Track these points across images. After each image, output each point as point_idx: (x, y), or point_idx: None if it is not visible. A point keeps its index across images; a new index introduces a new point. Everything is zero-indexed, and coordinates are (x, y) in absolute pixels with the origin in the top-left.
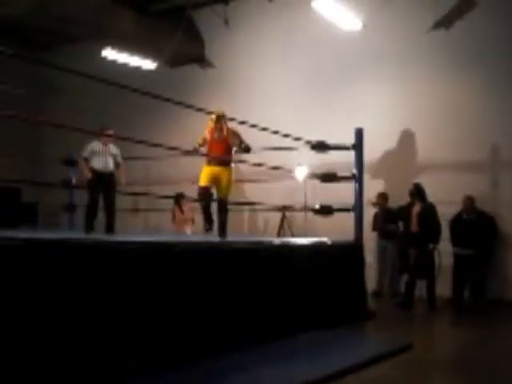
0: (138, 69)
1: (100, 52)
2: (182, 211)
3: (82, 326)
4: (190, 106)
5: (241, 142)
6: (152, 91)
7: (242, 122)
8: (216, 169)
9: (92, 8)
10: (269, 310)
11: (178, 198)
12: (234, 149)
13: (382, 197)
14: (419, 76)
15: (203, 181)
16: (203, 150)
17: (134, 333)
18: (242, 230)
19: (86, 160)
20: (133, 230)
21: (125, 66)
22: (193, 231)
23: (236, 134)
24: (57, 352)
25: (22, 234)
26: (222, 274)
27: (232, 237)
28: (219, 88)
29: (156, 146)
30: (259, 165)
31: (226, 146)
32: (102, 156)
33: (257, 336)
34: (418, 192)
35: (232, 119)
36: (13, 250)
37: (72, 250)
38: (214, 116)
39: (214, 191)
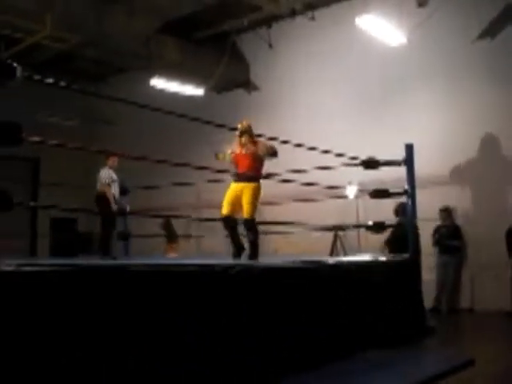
0: (186, 96)
1: (149, 81)
2: (171, 238)
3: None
4: (234, 129)
5: (267, 148)
6: (200, 117)
7: (285, 141)
8: (240, 185)
9: (139, 38)
10: (325, 329)
11: (166, 225)
12: (267, 157)
13: (445, 211)
14: (468, 87)
15: (224, 206)
16: (228, 160)
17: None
18: (293, 251)
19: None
20: (192, 255)
21: (173, 94)
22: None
23: (264, 145)
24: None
25: (91, 261)
26: (279, 295)
27: (282, 258)
28: (265, 111)
29: (204, 168)
30: (311, 184)
31: (253, 161)
32: (117, 183)
33: (313, 357)
34: None
35: (273, 139)
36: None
37: (145, 273)
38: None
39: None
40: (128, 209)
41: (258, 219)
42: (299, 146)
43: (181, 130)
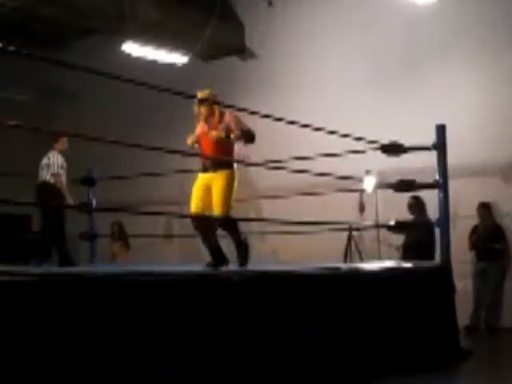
0: (166, 65)
1: (120, 47)
2: (123, 244)
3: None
4: (229, 106)
5: (239, 127)
6: (184, 91)
7: (292, 122)
8: (207, 176)
9: None
10: (338, 351)
11: (115, 230)
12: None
13: (485, 208)
14: None
15: (193, 203)
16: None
17: None
18: (297, 255)
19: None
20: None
21: (151, 62)
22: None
23: (236, 121)
24: None
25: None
26: (275, 312)
27: (283, 264)
28: (263, 83)
29: (183, 153)
30: (321, 174)
31: (219, 141)
32: (65, 170)
33: None
34: None
35: (243, 110)
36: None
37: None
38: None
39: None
40: (94, 204)
41: (254, 215)
42: (305, 126)
43: (160, 106)
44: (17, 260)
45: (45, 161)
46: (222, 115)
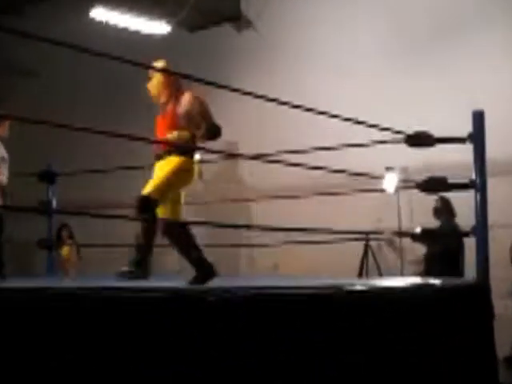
0: (144, 36)
1: (88, 13)
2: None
3: None
4: (223, 87)
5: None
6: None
7: (296, 106)
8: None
9: None
10: None
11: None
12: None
13: None
14: None
15: None
16: None
17: None
18: (302, 268)
19: None
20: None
21: (125, 32)
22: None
23: (203, 110)
24: None
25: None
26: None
27: (283, 279)
28: (261, 57)
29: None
30: (336, 171)
31: (173, 124)
32: (6, 164)
33: None
34: None
35: (272, 100)
36: None
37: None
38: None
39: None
40: (54, 204)
41: (249, 221)
42: (309, 110)
43: (136, 85)
44: None
45: None
46: (179, 94)
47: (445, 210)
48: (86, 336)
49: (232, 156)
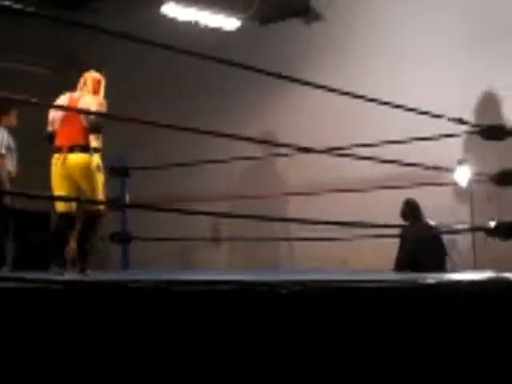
0: (214, 30)
1: (158, 8)
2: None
3: None
4: (296, 80)
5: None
6: (235, 59)
7: (372, 100)
8: None
9: None
10: None
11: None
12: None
13: None
14: None
15: None
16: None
17: None
18: (368, 263)
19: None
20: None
21: (195, 27)
22: None
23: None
24: None
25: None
26: (337, 334)
27: (348, 273)
28: (331, 50)
29: (235, 137)
30: (408, 165)
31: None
32: (15, 154)
33: None
34: None
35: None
36: None
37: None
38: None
39: None
40: (128, 199)
41: (315, 215)
42: (371, 101)
43: (205, 79)
44: (37, 264)
45: None
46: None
47: (410, 213)
48: (163, 330)
49: (305, 150)
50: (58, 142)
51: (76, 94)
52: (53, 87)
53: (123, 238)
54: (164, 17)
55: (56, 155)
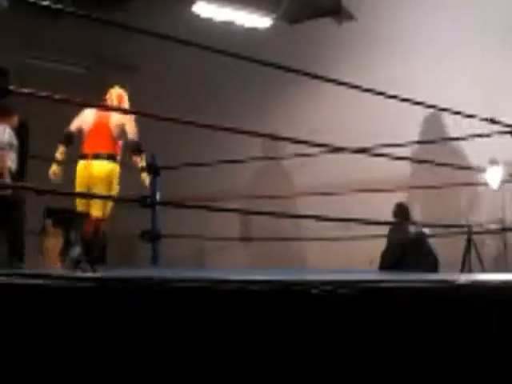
0: (244, 30)
1: (190, 8)
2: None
3: None
4: (332, 81)
5: None
6: (267, 59)
7: (405, 100)
8: None
9: None
10: None
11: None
12: None
13: None
14: None
15: None
16: None
17: None
18: None
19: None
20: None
21: (226, 26)
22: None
23: None
24: None
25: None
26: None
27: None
28: (362, 51)
29: (293, 141)
30: (445, 165)
31: None
32: (15, 152)
33: None
34: None
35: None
36: None
37: None
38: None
39: None
40: (158, 197)
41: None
42: (405, 100)
43: (236, 79)
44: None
45: None
46: None
47: (399, 215)
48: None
49: (340, 150)
50: (85, 149)
51: (104, 112)
52: (88, 87)
53: (153, 236)
54: (194, 16)
55: (81, 161)
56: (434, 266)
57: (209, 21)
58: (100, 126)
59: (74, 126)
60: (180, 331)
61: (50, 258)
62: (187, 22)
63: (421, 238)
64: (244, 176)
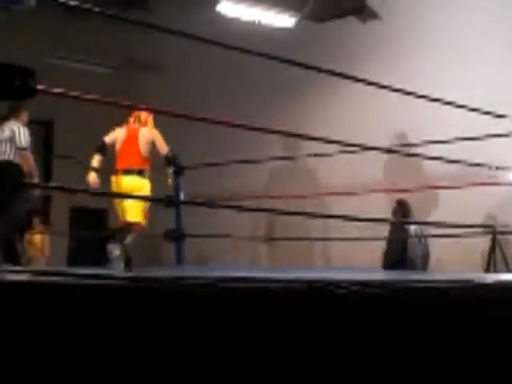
0: (269, 29)
1: (214, 7)
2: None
3: None
4: (361, 80)
5: None
6: (293, 58)
7: (435, 100)
8: None
9: None
10: None
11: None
12: None
13: None
14: None
15: None
16: None
17: None
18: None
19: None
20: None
21: (251, 26)
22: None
23: None
24: None
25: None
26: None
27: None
28: (386, 49)
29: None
30: (475, 165)
31: None
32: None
33: None
34: None
35: (397, 90)
36: None
37: None
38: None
39: None
40: (182, 196)
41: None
42: (435, 101)
43: (260, 78)
44: (95, 261)
45: (6, 133)
46: None
47: (399, 213)
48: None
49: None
50: (117, 164)
51: (134, 126)
52: (113, 87)
53: (178, 236)
54: (219, 15)
55: (113, 176)
56: (425, 265)
57: (233, 20)
58: (129, 144)
59: (108, 138)
60: (211, 332)
61: (35, 252)
62: (211, 21)
63: (419, 237)
64: (266, 175)
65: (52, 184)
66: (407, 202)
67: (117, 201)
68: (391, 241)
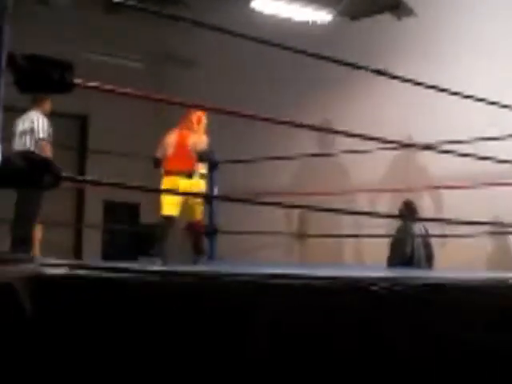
0: (304, 26)
1: (248, 4)
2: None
3: None
4: (396, 77)
5: None
6: (328, 54)
7: (456, 93)
8: None
9: None
10: None
11: None
12: None
13: None
14: None
15: None
16: None
17: None
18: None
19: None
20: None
21: (285, 22)
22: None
23: None
24: None
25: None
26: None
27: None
28: (422, 47)
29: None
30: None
31: None
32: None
33: None
34: None
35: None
36: None
37: None
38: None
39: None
40: (216, 191)
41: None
42: (467, 97)
43: (294, 75)
44: (126, 255)
45: (27, 124)
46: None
47: (405, 214)
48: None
49: (407, 146)
50: (169, 166)
51: (184, 132)
52: (146, 81)
53: (211, 231)
54: (254, 11)
55: (166, 178)
56: (430, 266)
57: (268, 16)
58: (181, 148)
59: (159, 153)
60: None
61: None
62: (245, 17)
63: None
64: (296, 172)
65: (87, 178)
66: (413, 202)
67: (171, 201)
68: (397, 240)
